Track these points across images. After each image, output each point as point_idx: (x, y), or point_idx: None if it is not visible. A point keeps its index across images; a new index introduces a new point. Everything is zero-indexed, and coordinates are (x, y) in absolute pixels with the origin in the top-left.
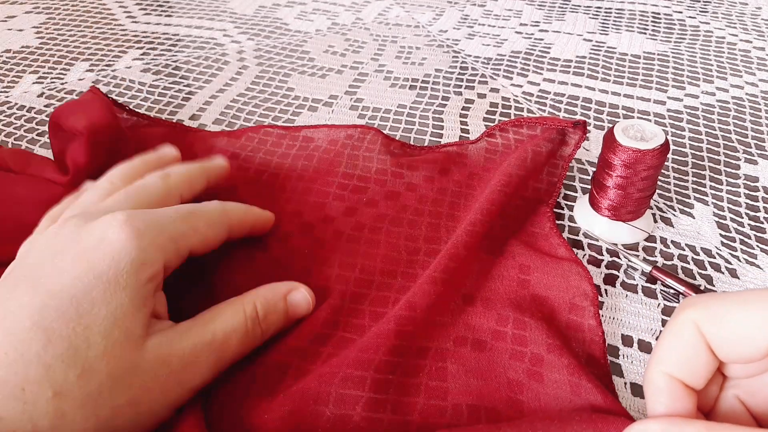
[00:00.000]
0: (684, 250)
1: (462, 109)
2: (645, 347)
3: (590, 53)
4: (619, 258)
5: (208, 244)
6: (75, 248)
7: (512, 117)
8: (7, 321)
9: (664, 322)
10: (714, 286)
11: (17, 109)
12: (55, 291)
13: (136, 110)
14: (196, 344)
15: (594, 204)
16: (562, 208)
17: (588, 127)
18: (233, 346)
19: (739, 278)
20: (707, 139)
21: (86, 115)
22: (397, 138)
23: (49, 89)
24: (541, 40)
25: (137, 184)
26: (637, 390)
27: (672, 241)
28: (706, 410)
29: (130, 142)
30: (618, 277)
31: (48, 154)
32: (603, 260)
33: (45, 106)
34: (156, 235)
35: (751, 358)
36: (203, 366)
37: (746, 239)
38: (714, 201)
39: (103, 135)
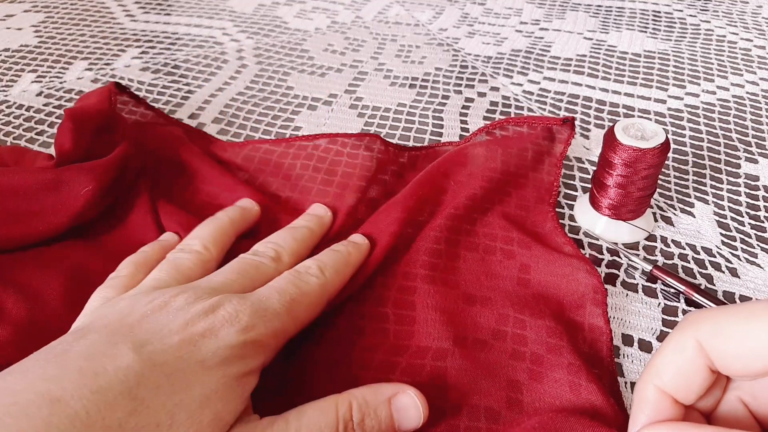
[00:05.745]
0: (684, 249)
1: (462, 108)
2: (645, 347)
3: (591, 52)
4: (619, 257)
5: (300, 329)
6: (184, 328)
7: (512, 116)
8: (99, 379)
9: (664, 322)
10: (714, 285)
11: (16, 108)
12: (157, 363)
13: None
14: None
15: (594, 203)
16: (563, 207)
17: (588, 126)
18: None
19: (739, 277)
20: (708, 138)
21: (79, 102)
22: (396, 137)
23: (47, 88)
24: (542, 38)
25: (248, 261)
26: None
27: (672, 240)
28: (709, 412)
29: (121, 129)
30: (618, 276)
31: (46, 152)
32: (603, 259)
33: (44, 105)
34: (263, 332)
35: (757, 373)
36: None
37: (747, 238)
38: (714, 200)
39: (88, 120)
